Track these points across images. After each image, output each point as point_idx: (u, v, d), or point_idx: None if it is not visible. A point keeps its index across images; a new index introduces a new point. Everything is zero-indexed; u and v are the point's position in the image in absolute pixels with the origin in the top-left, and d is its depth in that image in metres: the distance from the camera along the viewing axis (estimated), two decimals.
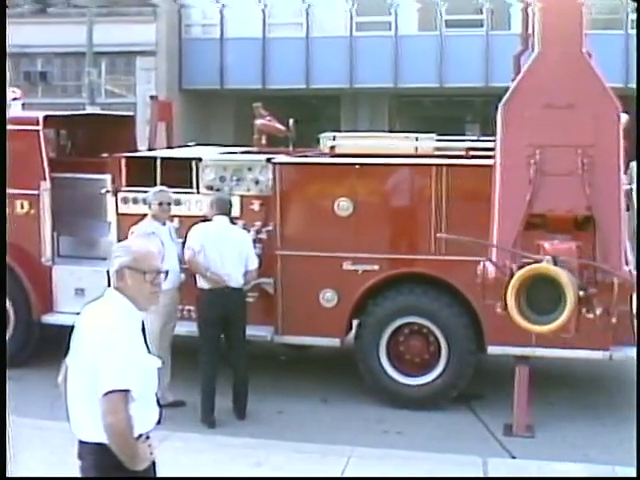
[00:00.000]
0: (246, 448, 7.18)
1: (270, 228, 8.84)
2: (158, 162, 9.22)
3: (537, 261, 6.15)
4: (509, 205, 6.55)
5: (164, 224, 8.36)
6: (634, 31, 24.10)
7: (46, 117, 9.70)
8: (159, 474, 4.18)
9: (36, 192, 9.47)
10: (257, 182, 8.96)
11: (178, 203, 8.82)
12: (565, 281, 5.87)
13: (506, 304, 6.05)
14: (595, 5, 21.87)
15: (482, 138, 9.98)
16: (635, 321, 6.99)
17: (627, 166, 7.81)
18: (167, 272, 4.21)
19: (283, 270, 8.82)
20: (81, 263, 9.71)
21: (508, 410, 8.01)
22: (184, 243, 8.27)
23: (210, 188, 9.00)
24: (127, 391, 3.81)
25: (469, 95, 29.06)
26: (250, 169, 9.01)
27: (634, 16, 24.43)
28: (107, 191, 9.39)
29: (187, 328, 8.59)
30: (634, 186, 8.02)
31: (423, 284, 8.59)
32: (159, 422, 4.12)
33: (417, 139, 9.61)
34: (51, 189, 9.48)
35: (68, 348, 4.04)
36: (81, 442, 3.96)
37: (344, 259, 8.62)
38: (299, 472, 6.64)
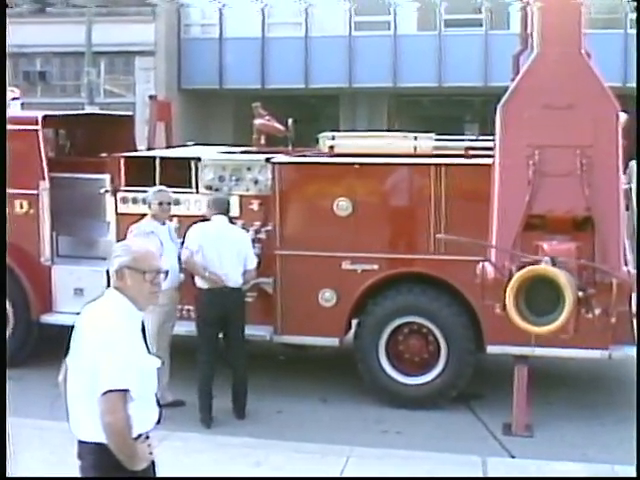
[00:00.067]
0: (245, 448, 7.18)
1: (269, 228, 8.83)
2: (157, 162, 9.21)
3: (536, 262, 6.15)
4: (508, 206, 6.55)
5: (164, 224, 8.36)
6: (633, 31, 24.12)
7: (45, 117, 9.70)
8: (159, 474, 4.18)
9: (35, 192, 9.46)
10: (256, 182, 8.96)
11: (177, 203, 8.81)
12: (564, 282, 5.88)
13: (505, 305, 6.05)
14: (594, 5, 21.89)
15: (481, 137, 9.97)
16: (635, 321, 7.00)
17: (626, 165, 7.81)
18: (167, 272, 4.21)
19: (282, 270, 8.82)
20: (80, 263, 9.70)
21: (507, 409, 8.01)
22: (183, 243, 8.27)
23: (209, 188, 9.00)
24: (126, 391, 3.81)
25: (468, 95, 29.08)
26: (249, 169, 9.01)
27: (633, 16, 24.45)
28: (106, 191, 9.39)
29: (186, 328, 8.58)
30: (633, 185, 8.01)
31: (422, 284, 8.59)
32: (158, 422, 4.12)
33: (416, 139, 9.59)
34: (50, 189, 9.47)
35: (68, 348, 4.04)
36: (81, 442, 3.96)
37: (343, 259, 8.62)
38: (298, 472, 6.64)
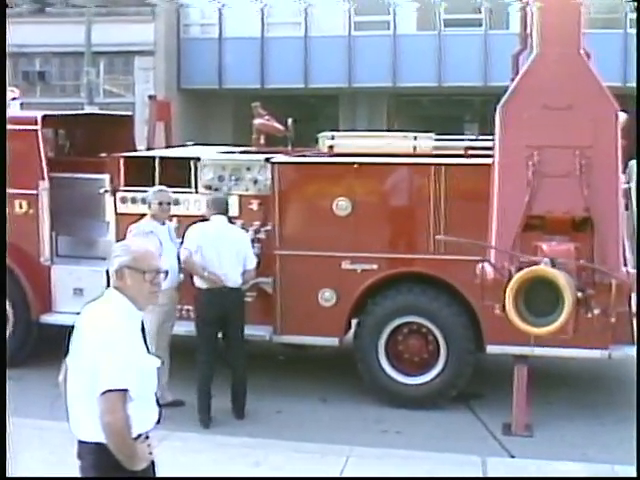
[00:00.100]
0: (245, 448, 7.18)
1: (269, 228, 8.83)
2: (157, 162, 9.22)
3: (535, 263, 6.15)
4: (508, 206, 6.55)
5: (163, 224, 8.36)
6: (633, 30, 24.12)
7: (44, 117, 9.69)
8: (158, 474, 4.18)
9: (35, 192, 9.46)
10: (256, 182, 8.96)
11: (177, 203, 8.81)
12: (563, 283, 5.88)
13: (504, 306, 6.06)
14: (594, 4, 21.90)
15: (481, 137, 9.97)
16: (635, 320, 7.00)
17: (626, 165, 7.81)
18: (167, 272, 4.21)
19: (282, 270, 8.81)
20: (80, 263, 9.70)
21: (507, 409, 8.01)
22: (182, 243, 8.26)
23: (209, 188, 9.00)
24: (125, 391, 3.81)
25: (468, 94, 29.07)
26: (249, 169, 9.01)
27: (633, 15, 24.47)
28: (106, 191, 9.39)
29: (186, 328, 8.58)
30: (633, 185, 8.01)
31: (422, 283, 8.59)
32: (158, 422, 4.12)
33: (416, 138, 9.59)
34: (50, 189, 9.47)
35: (67, 348, 4.04)
36: (80, 442, 3.96)
37: (343, 258, 8.62)
38: (298, 472, 6.64)
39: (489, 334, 8.31)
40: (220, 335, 8.24)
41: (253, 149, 10.79)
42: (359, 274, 8.61)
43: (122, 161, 9.38)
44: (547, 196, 6.50)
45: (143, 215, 8.46)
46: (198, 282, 8.18)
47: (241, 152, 10.59)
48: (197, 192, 9.05)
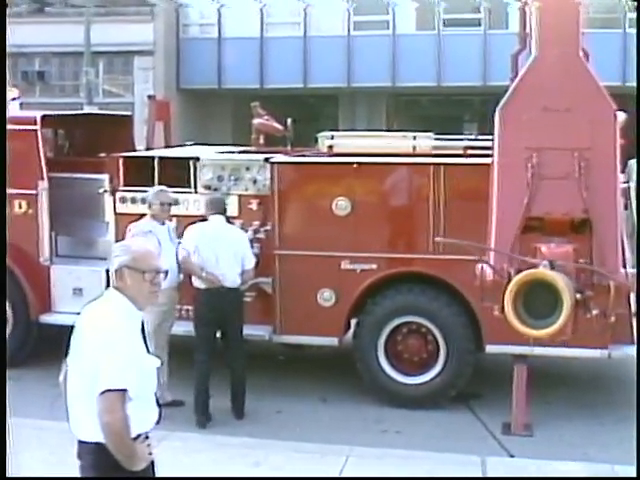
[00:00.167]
0: (245, 448, 7.18)
1: (268, 228, 8.83)
2: (156, 162, 9.21)
3: (534, 265, 6.16)
4: (507, 208, 6.55)
5: (163, 224, 8.36)
6: (632, 30, 24.12)
7: (44, 117, 9.69)
8: (158, 474, 4.18)
9: (34, 192, 9.46)
10: (255, 182, 8.96)
11: (176, 203, 8.80)
12: (562, 286, 5.89)
13: (503, 308, 6.06)
14: (593, 4, 21.93)
15: (480, 137, 9.97)
16: (634, 320, 7.00)
17: (625, 164, 7.81)
18: (167, 272, 4.21)
19: (281, 269, 8.81)
20: (79, 263, 9.70)
21: (507, 409, 8.01)
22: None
23: (208, 188, 9.00)
24: (124, 391, 3.82)
25: (467, 94, 29.08)
26: (248, 169, 9.01)
27: (632, 15, 24.48)
28: (105, 191, 9.39)
29: (185, 328, 8.58)
30: (632, 184, 8.01)
31: (421, 283, 8.59)
32: (158, 422, 4.12)
33: (415, 138, 9.60)
34: (49, 189, 9.47)
35: (67, 348, 4.04)
36: (80, 442, 3.96)
37: (342, 258, 8.62)
38: (298, 472, 6.64)
39: (489, 334, 8.31)
40: (219, 335, 8.24)
41: (252, 149, 10.80)
42: (358, 274, 8.61)
43: (121, 161, 9.38)
44: (546, 198, 6.50)
45: (143, 215, 8.46)
46: (196, 282, 8.19)
47: (240, 152, 10.59)
48: (196, 192, 9.05)
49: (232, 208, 8.73)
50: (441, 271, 8.42)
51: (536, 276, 6.03)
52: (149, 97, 12.89)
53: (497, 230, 6.54)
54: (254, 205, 8.91)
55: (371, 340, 8.64)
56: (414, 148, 9.46)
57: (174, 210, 8.70)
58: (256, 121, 11.03)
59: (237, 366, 8.22)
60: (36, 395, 8.30)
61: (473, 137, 11.10)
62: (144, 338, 4.07)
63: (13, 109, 11.86)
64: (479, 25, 27.32)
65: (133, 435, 3.88)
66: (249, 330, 8.44)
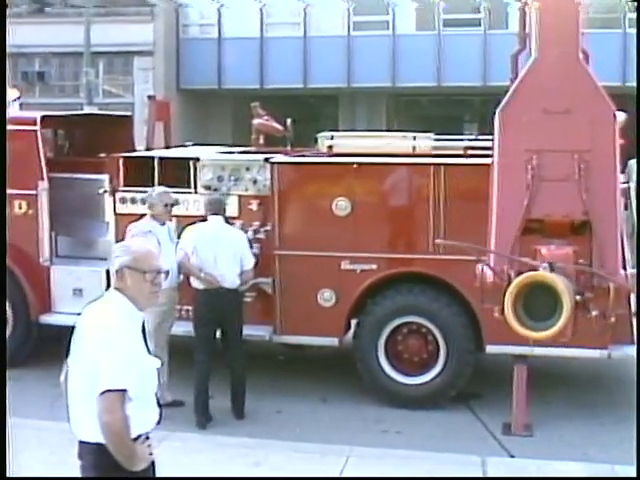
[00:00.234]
0: (245, 448, 7.18)
1: (268, 228, 8.83)
2: (156, 162, 9.22)
3: (534, 267, 6.16)
4: (507, 210, 6.55)
5: (163, 224, 8.36)
6: (632, 30, 24.13)
7: (44, 117, 9.69)
8: (158, 474, 4.18)
9: (34, 192, 9.46)
10: (255, 182, 8.95)
11: (177, 203, 8.80)
12: (562, 288, 5.89)
13: (503, 310, 6.06)
14: (592, 4, 21.93)
15: (480, 137, 9.97)
16: (635, 320, 7.00)
17: (625, 164, 7.81)
18: (167, 272, 4.21)
19: (281, 270, 8.81)
20: (79, 263, 9.70)
21: (507, 409, 8.01)
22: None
23: (208, 188, 9.00)
24: (124, 391, 3.82)
25: (467, 94, 29.09)
26: (248, 169, 9.01)
27: (632, 15, 24.48)
28: (105, 191, 9.38)
29: (185, 328, 8.57)
30: (632, 184, 8.01)
31: (421, 283, 8.59)
32: (158, 422, 4.12)
33: (415, 138, 9.60)
34: (49, 189, 9.47)
35: (67, 348, 4.04)
36: (81, 442, 3.96)
37: (342, 259, 8.62)
38: (298, 472, 6.64)
39: (489, 334, 8.31)
40: (219, 335, 8.24)
41: (252, 149, 10.80)
42: (358, 274, 8.61)
43: (121, 161, 9.38)
44: (546, 200, 6.51)
45: (142, 215, 8.45)
46: (195, 283, 8.19)
47: (240, 152, 10.59)
48: (196, 192, 9.05)
49: (232, 208, 8.73)
50: (441, 271, 8.42)
51: (536, 278, 6.03)
52: (149, 97, 12.88)
53: (497, 232, 6.54)
54: (254, 205, 8.91)
55: (371, 340, 8.63)
56: (414, 148, 9.46)
57: (174, 210, 8.70)
58: (256, 121, 11.03)
59: (237, 366, 8.22)
60: (36, 395, 8.30)
61: (473, 137, 11.11)
62: (145, 338, 4.07)
63: (13, 109, 11.87)
64: (479, 25, 27.33)
65: (134, 435, 3.88)
66: (249, 330, 8.44)
